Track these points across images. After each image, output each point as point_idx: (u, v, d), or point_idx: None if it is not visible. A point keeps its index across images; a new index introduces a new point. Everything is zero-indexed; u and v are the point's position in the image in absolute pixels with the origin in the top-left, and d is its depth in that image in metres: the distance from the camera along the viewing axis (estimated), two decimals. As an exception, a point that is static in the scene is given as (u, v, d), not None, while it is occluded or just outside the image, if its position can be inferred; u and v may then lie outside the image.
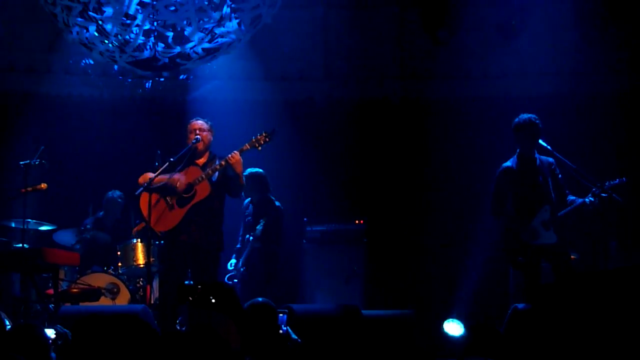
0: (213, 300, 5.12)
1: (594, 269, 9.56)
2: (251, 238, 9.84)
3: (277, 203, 10.03)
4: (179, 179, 8.27)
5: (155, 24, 8.73)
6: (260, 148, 8.33)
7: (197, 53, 9.22)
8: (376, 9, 12.09)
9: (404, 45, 12.02)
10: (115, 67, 11.01)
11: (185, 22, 8.85)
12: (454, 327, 9.35)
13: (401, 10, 11.97)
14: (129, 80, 11.33)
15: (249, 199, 10.03)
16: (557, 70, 11.26)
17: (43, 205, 9.89)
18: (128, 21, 8.76)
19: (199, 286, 4.96)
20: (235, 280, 9.83)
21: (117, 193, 10.56)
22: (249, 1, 9.09)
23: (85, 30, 8.92)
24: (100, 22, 8.70)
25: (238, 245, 10.04)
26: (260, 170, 9.77)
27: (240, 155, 8.29)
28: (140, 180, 8.38)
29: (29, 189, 8.95)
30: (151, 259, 9.10)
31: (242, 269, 9.85)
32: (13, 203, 9.30)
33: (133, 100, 11.48)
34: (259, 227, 9.77)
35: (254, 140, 8.28)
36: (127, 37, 8.96)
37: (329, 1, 12.00)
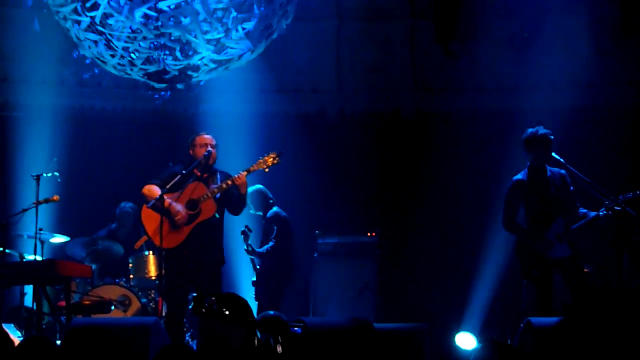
0: (227, 312, 5.12)
1: (608, 282, 9.55)
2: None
3: (282, 213, 10.05)
4: (180, 211, 8.24)
5: (160, 37, 8.76)
6: (267, 169, 8.39)
7: (207, 65, 9.25)
8: (389, 21, 12.10)
9: (416, 57, 12.03)
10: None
11: (192, 34, 8.87)
12: (466, 340, 9.34)
13: (413, 22, 11.98)
14: (144, 92, 11.31)
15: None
16: (570, 82, 11.23)
17: (56, 217, 9.91)
18: (133, 34, 8.81)
19: (213, 298, 4.97)
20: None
21: (129, 204, 10.57)
22: (259, 11, 9.11)
23: (95, 44, 8.98)
24: (108, 36, 8.74)
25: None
26: (260, 186, 9.83)
27: (247, 175, 8.30)
28: (145, 191, 8.39)
29: (42, 200, 9.03)
30: (163, 271, 9.10)
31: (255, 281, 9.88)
32: (26, 215, 9.19)
33: (145, 112, 11.53)
34: (266, 246, 9.92)
35: (261, 160, 8.34)
36: (135, 50, 9.01)
37: (342, 13, 12.02)
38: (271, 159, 8.31)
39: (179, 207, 8.23)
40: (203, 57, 9.11)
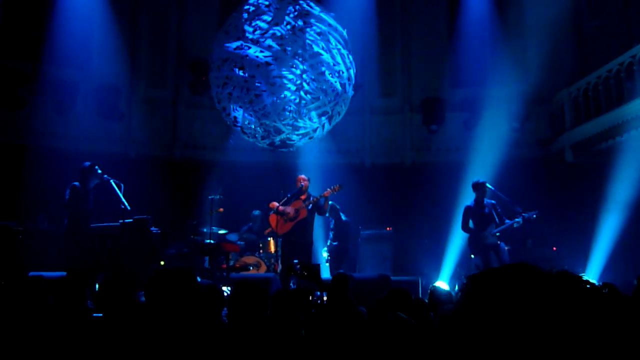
0: (305, 274, 5.29)
1: (518, 257, 9.52)
2: (331, 237, 9.99)
3: (348, 219, 9.91)
4: (289, 211, 8.33)
5: (261, 125, 8.99)
6: (335, 193, 8.36)
7: (293, 140, 9.44)
8: (396, 114, 12.22)
9: (412, 133, 12.09)
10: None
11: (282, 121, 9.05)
12: (441, 286, 9.27)
13: (410, 114, 12.09)
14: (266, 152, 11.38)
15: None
16: (497, 145, 11.11)
17: (221, 220, 10.13)
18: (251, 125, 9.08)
19: (298, 265, 5.09)
20: (328, 258, 9.88)
21: (258, 212, 10.44)
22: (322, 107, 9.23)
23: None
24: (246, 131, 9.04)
25: (328, 242, 9.98)
26: (333, 202, 9.41)
27: (323, 197, 8.28)
28: (270, 205, 8.53)
29: (213, 211, 9.14)
30: (278, 249, 9.39)
31: (328, 255, 9.84)
32: (205, 219, 9.38)
33: (268, 163, 11.51)
34: (332, 235, 9.89)
35: (331, 189, 8.29)
36: (253, 131, 9.21)
37: (372, 110, 12.10)
38: (337, 188, 8.28)
39: (289, 209, 8.37)
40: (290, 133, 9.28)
